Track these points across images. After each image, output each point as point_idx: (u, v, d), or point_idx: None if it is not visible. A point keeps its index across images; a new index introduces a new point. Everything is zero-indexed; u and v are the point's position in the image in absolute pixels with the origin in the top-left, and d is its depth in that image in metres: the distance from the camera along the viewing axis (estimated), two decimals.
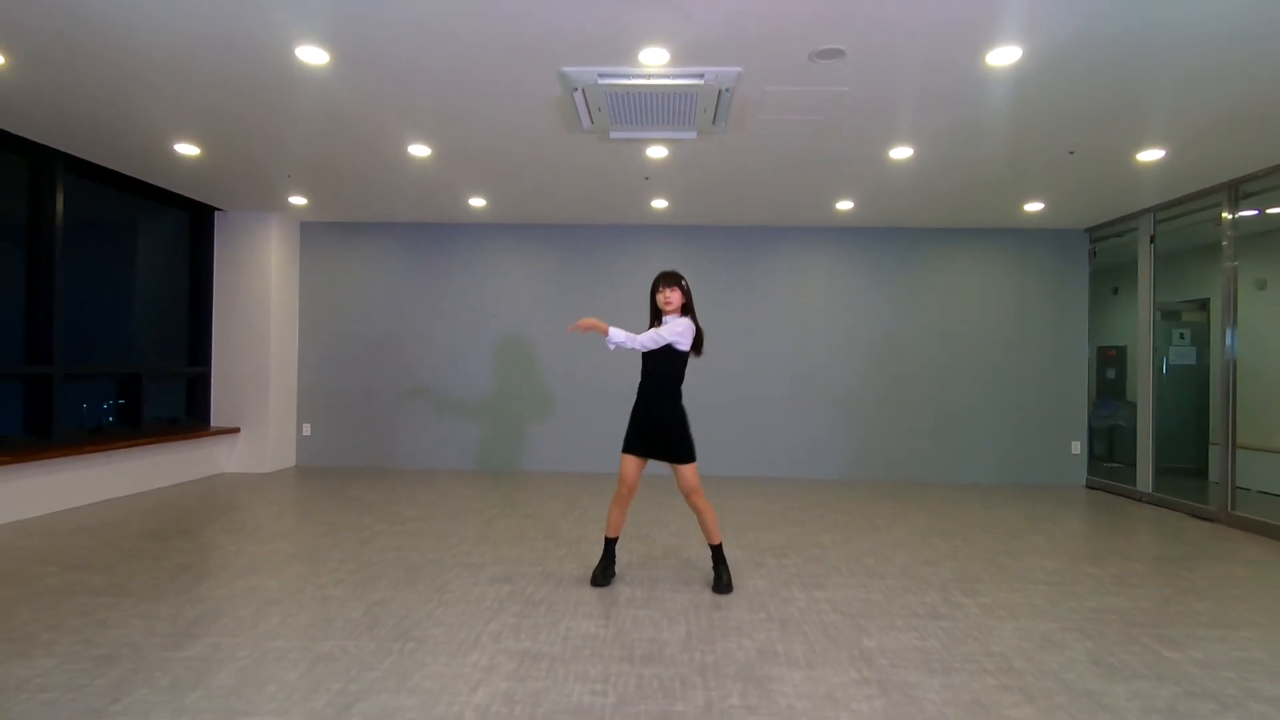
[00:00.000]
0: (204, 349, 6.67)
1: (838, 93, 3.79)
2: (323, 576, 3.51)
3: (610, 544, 3.52)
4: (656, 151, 4.77)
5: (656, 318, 3.46)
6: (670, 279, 3.40)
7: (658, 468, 3.96)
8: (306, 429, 7.16)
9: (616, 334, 3.31)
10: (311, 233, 7.19)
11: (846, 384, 6.98)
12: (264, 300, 6.72)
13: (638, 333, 3.38)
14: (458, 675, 2.43)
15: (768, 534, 4.59)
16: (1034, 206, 6.07)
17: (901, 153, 4.68)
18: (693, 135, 4.23)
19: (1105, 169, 4.97)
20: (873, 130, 4.32)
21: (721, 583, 3.40)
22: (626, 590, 3.39)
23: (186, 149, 4.83)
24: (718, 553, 3.47)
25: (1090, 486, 6.83)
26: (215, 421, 6.72)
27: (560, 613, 3.06)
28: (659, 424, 3.36)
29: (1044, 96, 3.77)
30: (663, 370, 3.38)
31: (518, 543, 4.26)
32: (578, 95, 3.72)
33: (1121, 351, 7.49)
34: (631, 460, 3.41)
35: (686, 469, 3.34)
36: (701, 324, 3.49)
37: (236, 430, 6.68)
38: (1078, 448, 6.94)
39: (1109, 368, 7.77)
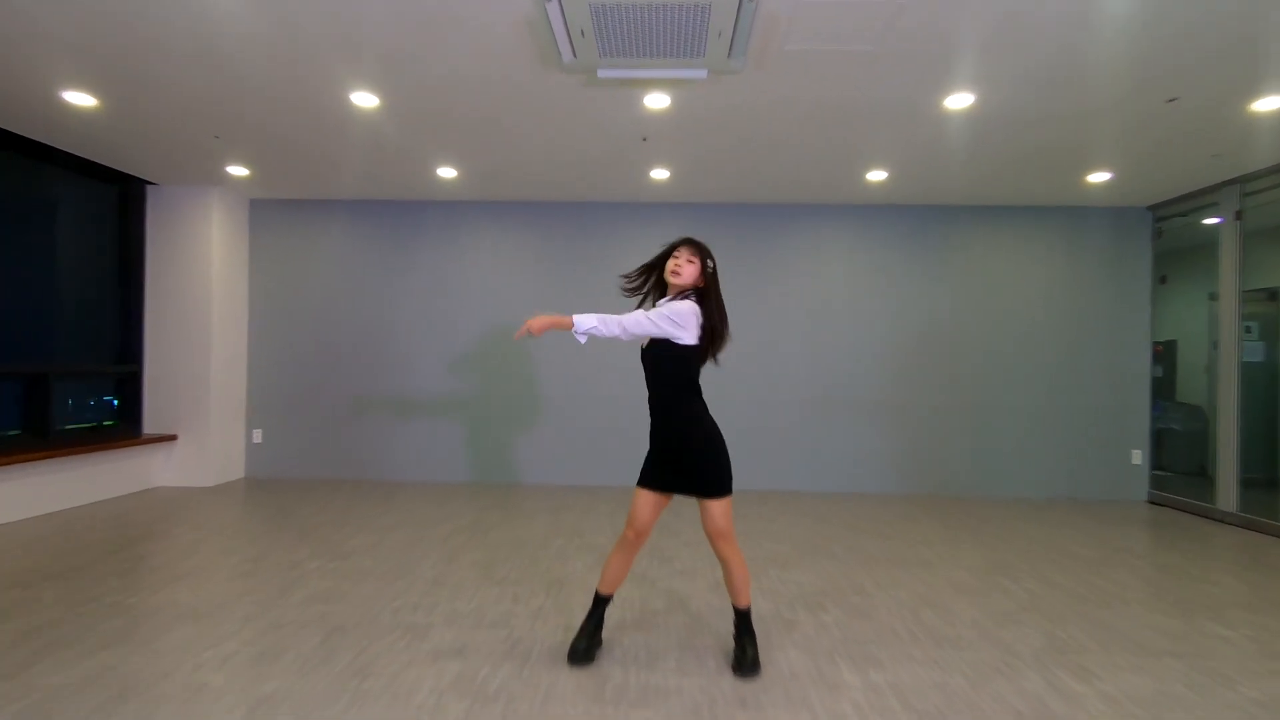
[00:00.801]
0: (135, 345, 5.77)
1: (894, 6, 2.89)
2: (209, 649, 2.63)
3: (601, 603, 2.64)
4: (656, 100, 3.87)
5: (657, 288, 2.61)
6: (694, 246, 2.54)
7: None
8: (257, 436, 6.27)
9: (584, 320, 2.45)
10: (263, 212, 6.29)
11: (875, 386, 6.09)
12: (205, 288, 5.82)
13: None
14: None
15: (796, 572, 3.71)
16: (1099, 177, 5.17)
17: (960, 100, 3.77)
18: (702, 74, 3.33)
19: (1204, 124, 4.07)
20: (928, 68, 3.42)
21: (746, 659, 2.52)
22: (616, 671, 2.51)
23: (79, 98, 3.93)
24: (744, 620, 2.59)
25: (1153, 502, 5.95)
26: (148, 428, 5.83)
27: (522, 713, 2.18)
28: (680, 445, 2.50)
29: (1156, 27, 2.87)
30: (668, 373, 2.51)
31: (481, 586, 3.38)
32: (553, 9, 2.82)
33: (1171, 346, 6.58)
34: (646, 497, 2.53)
35: (716, 506, 2.47)
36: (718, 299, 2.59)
37: (173, 438, 5.79)
38: (1139, 457, 6.05)
39: (1156, 365, 6.90)
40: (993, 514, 5.29)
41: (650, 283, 2.63)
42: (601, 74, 3.34)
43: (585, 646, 2.58)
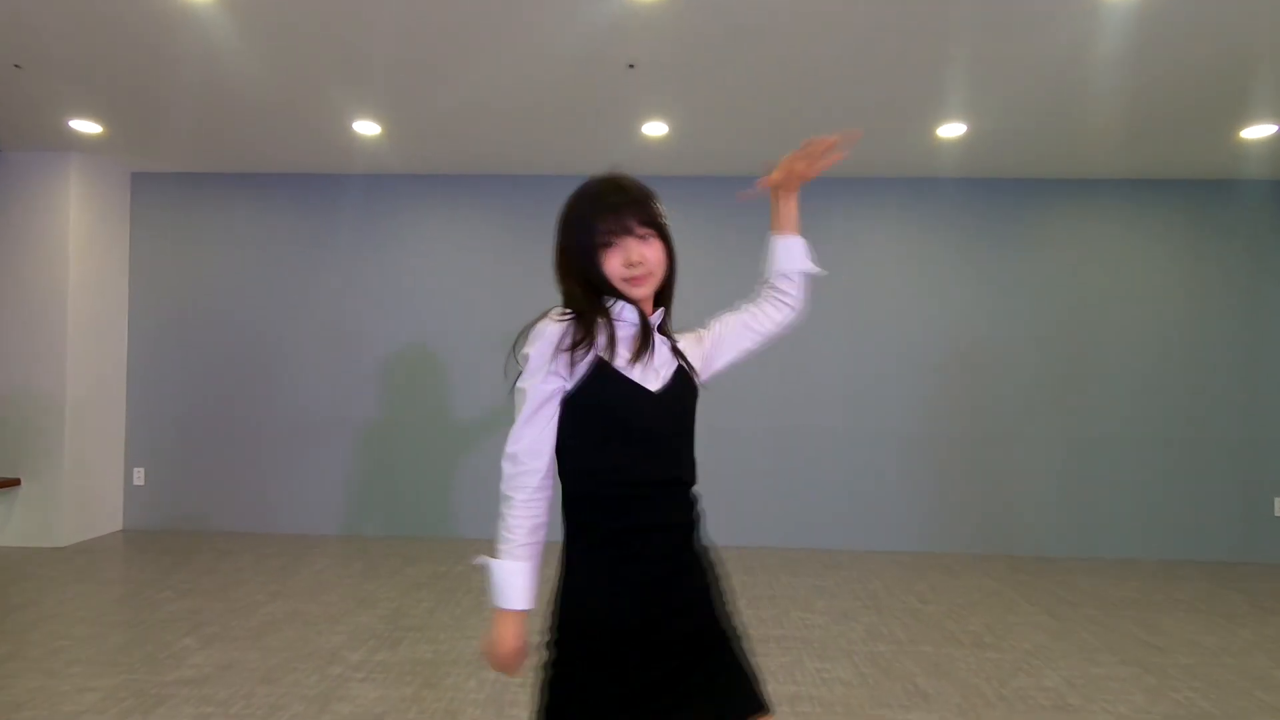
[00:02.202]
0: None
1: None
2: None
3: None
4: None
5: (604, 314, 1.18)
6: (637, 205, 1.17)
7: None
8: (138, 476, 4.87)
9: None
10: (147, 189, 4.91)
11: (930, 415, 4.68)
12: (59, 284, 4.44)
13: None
14: None
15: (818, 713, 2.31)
16: (1261, 131, 3.76)
17: None
18: None
19: None
20: None
21: None
22: None
23: None
24: None
25: None
26: None
27: None
28: (697, 610, 1.17)
29: None
30: (688, 446, 1.21)
31: None
32: None
33: None
34: None
35: None
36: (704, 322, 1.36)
37: (15, 482, 4.41)
38: None
39: None
40: (1107, 592, 3.87)
41: (585, 290, 1.20)
42: None
43: None
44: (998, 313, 4.70)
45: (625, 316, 1.17)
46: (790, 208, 1.36)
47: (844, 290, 4.68)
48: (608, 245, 1.15)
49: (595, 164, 4.21)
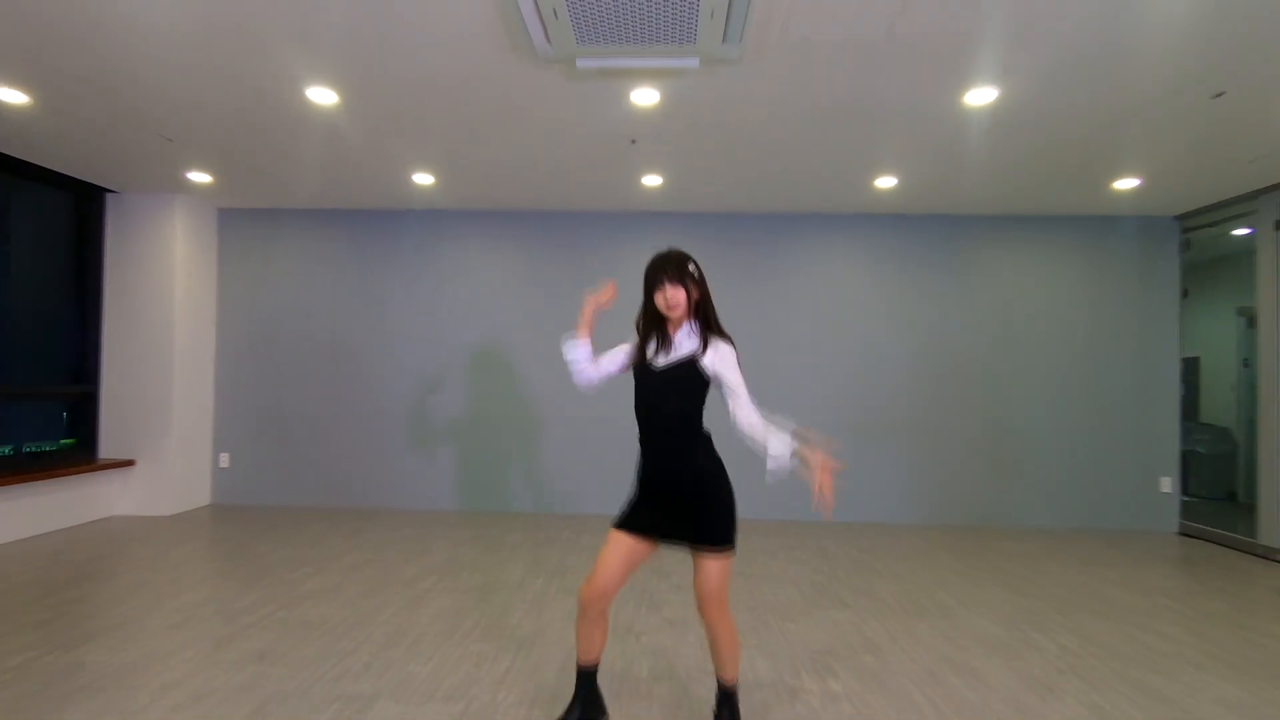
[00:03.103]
0: (91, 364, 5.39)
1: None
2: None
3: (584, 677, 2.22)
4: (644, 96, 3.50)
5: (657, 326, 2.21)
6: (674, 267, 2.15)
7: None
8: (224, 459, 5.88)
9: (779, 455, 2.06)
10: (232, 222, 5.93)
11: (884, 409, 5.69)
12: (167, 302, 5.45)
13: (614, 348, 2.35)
14: None
15: (799, 624, 3.30)
16: (1126, 184, 4.79)
17: (982, 95, 3.40)
18: (694, 63, 2.97)
19: (1250, 124, 3.69)
20: (946, 59, 3.06)
21: None
22: None
23: (9, 94, 3.57)
24: (729, 700, 2.20)
25: (1185, 534, 5.52)
26: (104, 453, 5.44)
27: None
28: (690, 484, 2.13)
29: (1207, 8, 2.50)
30: (683, 404, 2.17)
31: (441, 645, 2.97)
32: None
33: (1194, 363, 6.17)
34: (623, 545, 2.13)
35: (716, 563, 2.09)
36: (720, 319, 2.27)
37: (131, 463, 5.40)
38: (1169, 485, 5.63)
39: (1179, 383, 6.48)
40: (1014, 549, 4.87)
41: (646, 321, 2.25)
42: (580, 64, 2.99)
43: None
44: (935, 325, 5.70)
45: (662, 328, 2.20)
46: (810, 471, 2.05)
47: (810, 304, 5.68)
48: (658, 289, 2.14)
49: (607, 203, 5.35)
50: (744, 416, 2.09)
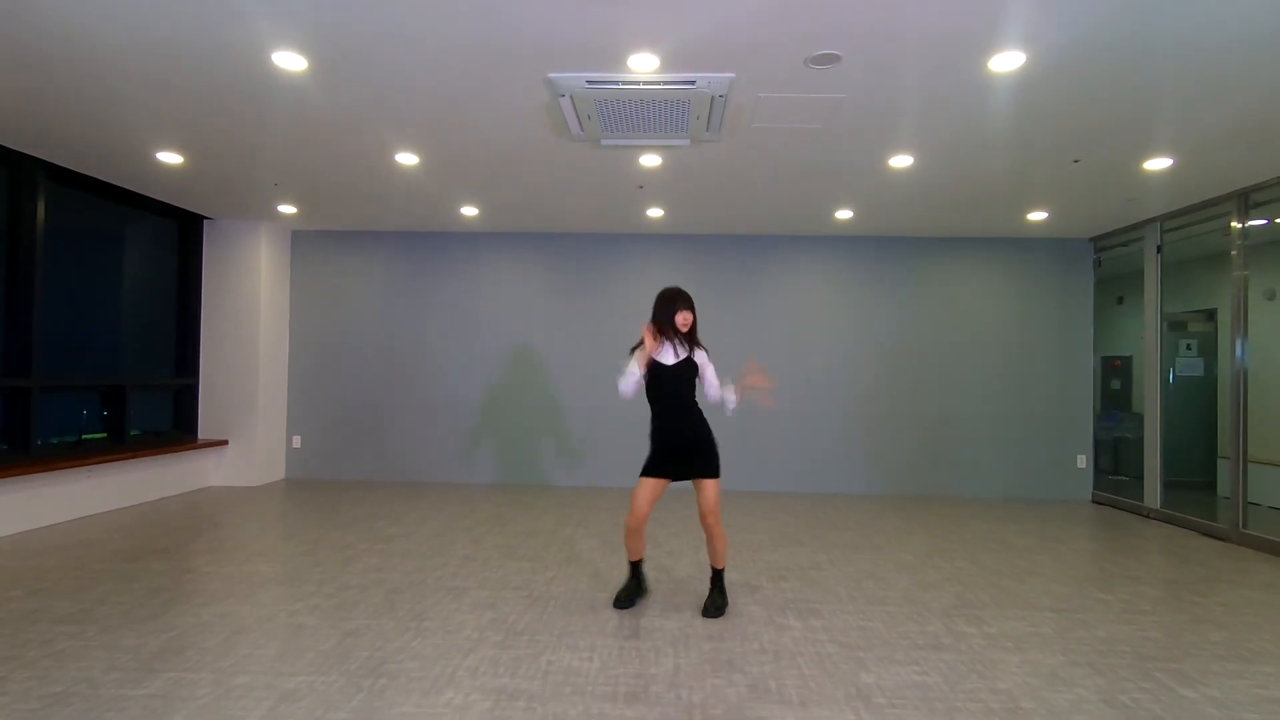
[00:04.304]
0: (192, 360, 6.55)
1: (835, 100, 3.66)
2: (298, 602, 3.37)
3: (635, 566, 3.48)
4: (650, 160, 4.65)
5: (668, 332, 3.36)
6: (686, 300, 3.39)
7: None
8: (296, 441, 7.03)
9: (729, 394, 3.46)
10: (302, 241, 7.08)
11: (848, 397, 6.84)
12: (253, 310, 6.60)
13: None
14: (429, 717, 2.29)
15: (766, 554, 4.45)
16: (1038, 216, 5.94)
17: (902, 161, 4.55)
18: (686, 142, 4.11)
19: (1111, 178, 4.83)
20: (872, 138, 4.20)
21: (714, 606, 3.29)
22: (614, 618, 3.25)
23: (169, 157, 4.72)
24: (718, 577, 3.41)
25: (1096, 502, 6.67)
26: (203, 434, 6.59)
27: (543, 644, 2.92)
28: (697, 440, 3.32)
29: (1049, 104, 3.63)
30: (687, 389, 3.37)
31: (505, 562, 4.12)
32: (565, 101, 3.59)
33: (1127, 362, 7.32)
34: (651, 487, 3.29)
35: (714, 486, 3.30)
36: (699, 336, 3.48)
37: (224, 443, 6.55)
38: (1083, 461, 6.78)
39: (1114, 378, 7.62)
40: (948, 511, 6.02)
41: (660, 328, 3.41)
42: (605, 143, 4.13)
43: (626, 596, 3.41)
44: (889, 328, 6.85)
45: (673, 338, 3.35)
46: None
47: (783, 311, 6.83)
48: (677, 310, 3.30)
49: (619, 228, 6.54)
50: (712, 392, 3.39)
